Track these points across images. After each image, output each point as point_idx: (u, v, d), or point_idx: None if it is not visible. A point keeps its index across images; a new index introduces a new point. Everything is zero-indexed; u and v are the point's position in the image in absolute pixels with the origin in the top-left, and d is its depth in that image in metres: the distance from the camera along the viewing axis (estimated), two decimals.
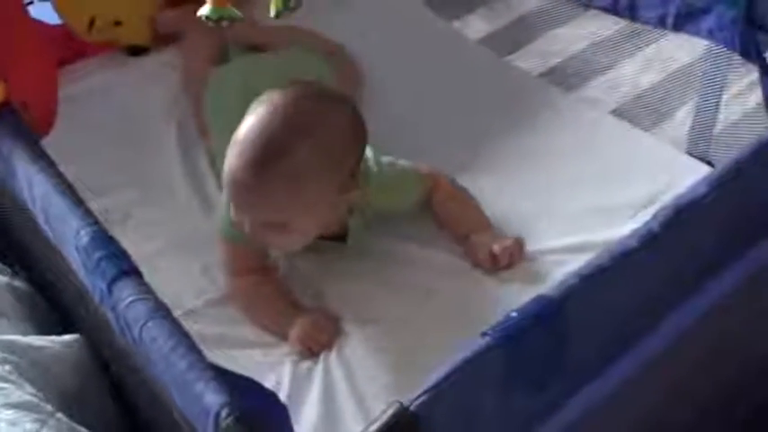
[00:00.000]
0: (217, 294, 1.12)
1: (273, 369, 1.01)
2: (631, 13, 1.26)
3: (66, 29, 1.48)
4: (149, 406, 0.99)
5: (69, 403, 1.03)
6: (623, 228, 1.17)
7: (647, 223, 0.73)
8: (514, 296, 1.10)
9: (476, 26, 1.63)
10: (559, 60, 1.54)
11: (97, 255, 0.77)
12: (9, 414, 0.92)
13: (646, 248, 0.70)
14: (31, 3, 1.56)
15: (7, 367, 1.00)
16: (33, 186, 0.85)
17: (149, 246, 1.13)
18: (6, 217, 1.29)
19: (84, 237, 0.79)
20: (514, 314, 0.66)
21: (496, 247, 1.12)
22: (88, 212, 0.82)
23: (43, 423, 0.94)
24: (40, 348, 1.08)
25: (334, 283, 1.13)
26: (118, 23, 1.50)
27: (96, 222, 0.81)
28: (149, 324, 0.71)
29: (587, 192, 1.27)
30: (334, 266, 1.15)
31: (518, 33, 1.59)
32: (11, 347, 1.03)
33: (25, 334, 1.14)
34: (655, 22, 1.23)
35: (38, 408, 0.96)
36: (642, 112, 1.46)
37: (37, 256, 1.22)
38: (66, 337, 1.13)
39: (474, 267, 1.14)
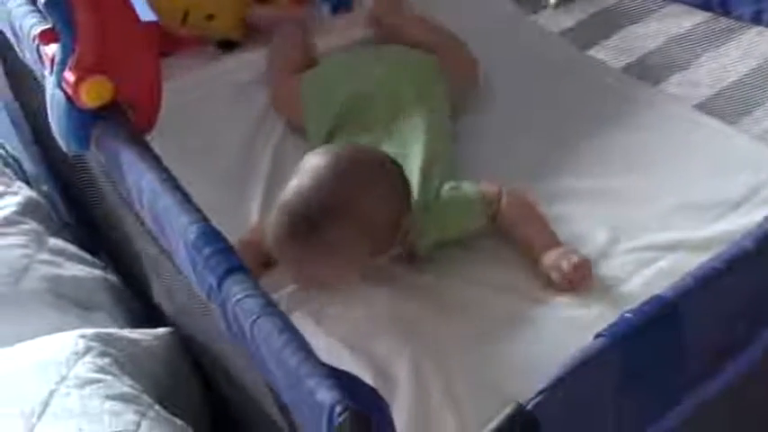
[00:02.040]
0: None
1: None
2: (724, 9, 1.23)
3: (156, 25, 1.51)
4: (243, 401, 1.01)
5: (162, 395, 1.05)
6: (715, 226, 1.19)
7: (760, 225, 0.72)
8: (610, 291, 1.13)
9: (556, 19, 1.61)
10: (641, 54, 1.52)
11: (207, 250, 0.78)
12: (112, 405, 0.95)
13: (760, 251, 0.69)
14: None
15: (107, 360, 1.03)
16: (142, 184, 0.87)
17: None
18: (99, 214, 1.32)
19: (194, 232, 0.80)
20: (629, 315, 0.65)
21: (566, 268, 1.09)
22: (197, 209, 0.83)
23: (143, 415, 0.97)
24: (135, 341, 1.11)
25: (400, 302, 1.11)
26: (210, 17, 1.51)
27: (205, 219, 0.82)
28: (261, 320, 0.72)
29: (676, 189, 1.25)
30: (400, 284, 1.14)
31: (599, 27, 1.58)
32: (109, 340, 1.06)
33: (119, 326, 1.17)
34: (749, 17, 1.20)
35: (138, 399, 0.99)
36: (726, 106, 1.43)
37: (127, 251, 1.25)
38: (159, 331, 1.16)
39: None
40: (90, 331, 1.06)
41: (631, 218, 1.21)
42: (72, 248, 1.27)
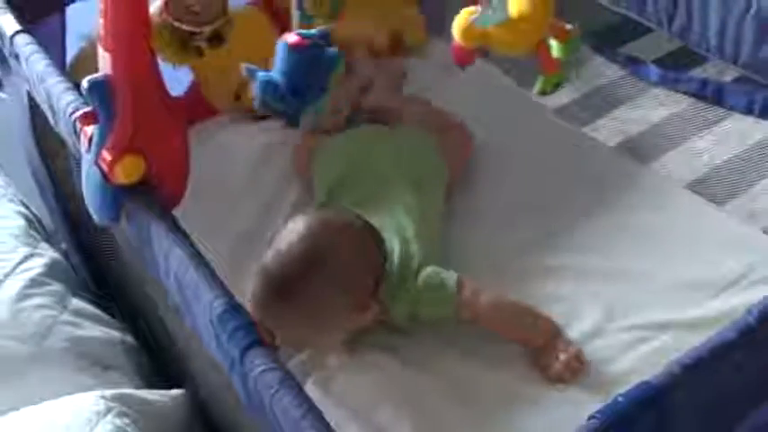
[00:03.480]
0: None
1: None
2: (718, 99, 1.31)
3: (191, 94, 1.58)
4: None
5: None
6: (706, 307, 1.25)
7: (744, 317, 0.78)
8: (604, 370, 1.18)
9: (551, 96, 1.68)
10: (633, 133, 1.58)
11: (231, 325, 0.84)
12: None
13: (744, 342, 0.75)
14: None
15: (126, 420, 1.08)
16: (169, 259, 0.93)
17: None
18: (118, 277, 1.38)
19: (218, 308, 0.86)
20: (621, 399, 0.71)
21: (559, 368, 1.15)
22: (221, 285, 0.90)
23: None
24: (151, 402, 1.16)
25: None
26: None
27: (229, 294, 0.88)
28: (280, 393, 0.77)
29: (668, 270, 1.30)
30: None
31: (592, 105, 1.64)
32: (127, 400, 1.12)
33: (136, 387, 1.23)
34: (742, 108, 1.28)
35: None
36: (718, 186, 1.50)
37: (147, 316, 1.31)
38: (173, 392, 1.21)
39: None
40: (109, 392, 1.11)
41: (625, 296, 1.26)
42: (92, 309, 1.33)
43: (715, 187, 1.52)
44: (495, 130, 1.56)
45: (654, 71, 1.36)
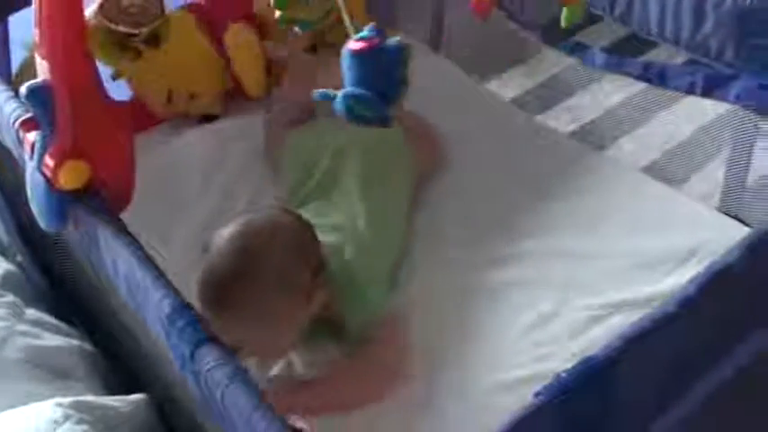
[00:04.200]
0: None
1: None
2: (661, 81, 1.33)
3: (130, 105, 1.58)
4: None
5: None
6: (660, 285, 1.27)
7: (684, 288, 0.79)
8: (556, 348, 1.20)
9: (504, 88, 1.70)
10: (587, 120, 1.61)
11: (180, 323, 0.84)
12: None
13: (685, 312, 0.76)
14: None
15: (84, 427, 1.07)
16: (117, 261, 0.93)
17: None
18: (74, 284, 1.37)
19: (167, 308, 0.86)
20: (564, 375, 0.72)
21: None
22: (169, 284, 0.89)
23: None
24: (111, 408, 1.15)
25: None
26: (192, 96, 1.59)
27: (177, 293, 0.88)
28: (231, 387, 0.78)
29: (623, 250, 1.33)
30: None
31: (547, 93, 1.67)
32: (85, 408, 1.11)
33: (95, 394, 1.22)
34: (684, 88, 1.30)
35: None
36: (673, 166, 1.52)
37: (103, 321, 1.30)
38: (133, 397, 1.20)
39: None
40: (66, 400, 1.10)
41: (579, 278, 1.29)
42: (48, 318, 1.31)
43: (669, 169, 1.54)
44: (450, 121, 1.58)
45: (599, 57, 1.37)
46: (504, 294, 1.29)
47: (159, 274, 0.91)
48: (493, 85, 1.72)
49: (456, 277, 1.31)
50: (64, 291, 1.44)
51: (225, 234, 1.12)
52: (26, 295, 1.34)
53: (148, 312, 0.90)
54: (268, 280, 1.10)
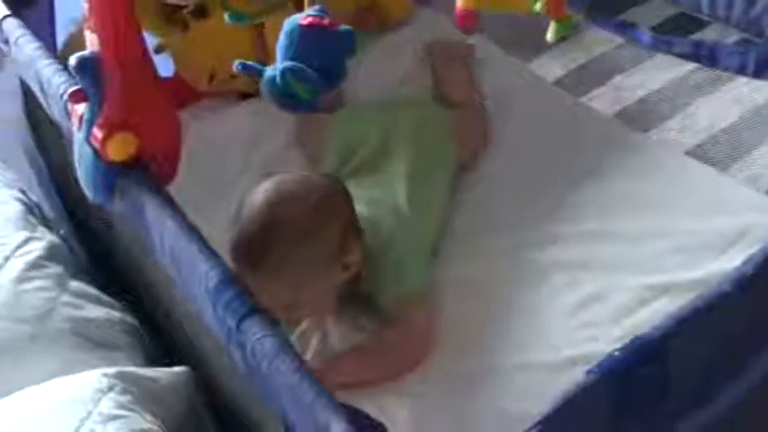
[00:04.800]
0: None
1: None
2: (712, 61, 1.30)
3: (175, 80, 1.59)
4: None
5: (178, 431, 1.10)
6: (707, 268, 1.24)
7: (739, 269, 0.78)
8: (601, 330, 1.18)
9: (548, 68, 1.68)
10: (632, 102, 1.58)
11: (227, 295, 0.84)
12: None
13: (740, 293, 0.75)
14: None
15: (129, 397, 1.08)
16: (164, 233, 0.93)
17: None
18: (117, 257, 1.39)
19: (214, 278, 0.86)
20: (617, 353, 0.71)
21: None
22: (215, 255, 0.90)
23: None
24: (154, 379, 1.16)
25: None
26: (234, 76, 1.55)
27: (224, 264, 0.88)
28: (279, 359, 0.78)
29: (669, 233, 1.30)
30: None
31: (591, 74, 1.64)
32: (129, 378, 1.12)
33: (138, 365, 1.23)
34: (735, 68, 1.27)
35: None
36: (718, 151, 1.50)
37: (147, 293, 1.31)
38: (175, 369, 1.21)
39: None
40: (112, 370, 1.11)
41: (625, 260, 1.27)
42: (92, 290, 1.33)
43: (715, 152, 1.51)
44: (491, 101, 1.56)
45: (646, 36, 1.35)
46: (547, 276, 1.27)
47: (205, 245, 0.91)
48: (534, 66, 1.70)
49: (498, 258, 1.30)
50: (108, 264, 1.46)
51: (257, 190, 1.13)
52: (69, 267, 1.35)
53: (194, 284, 0.90)
54: (299, 232, 1.10)
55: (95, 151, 0.98)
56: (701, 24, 1.50)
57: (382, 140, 1.39)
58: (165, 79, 1.59)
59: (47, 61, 1.14)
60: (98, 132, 0.97)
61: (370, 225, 1.23)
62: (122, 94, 0.96)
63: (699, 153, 1.49)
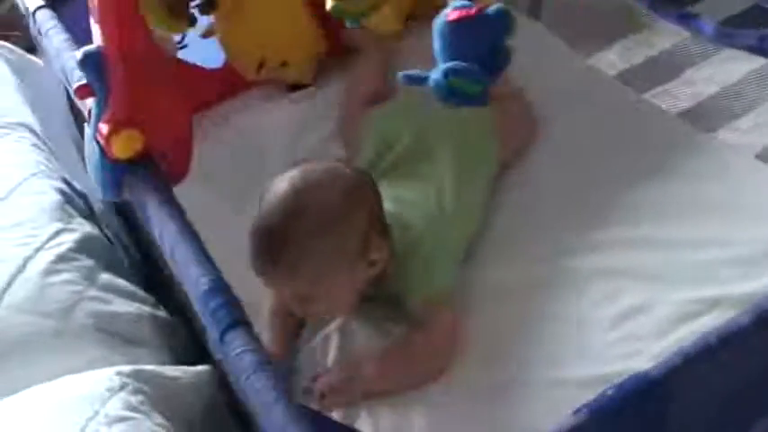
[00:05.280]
0: None
1: None
2: None
3: (228, 68, 1.58)
4: None
5: None
6: (763, 281, 1.14)
7: (758, 304, 0.68)
8: (641, 345, 1.10)
9: (612, 62, 1.58)
10: (698, 100, 1.47)
11: (213, 304, 0.81)
12: None
13: (758, 328, 0.66)
14: (184, 46, 1.68)
15: (140, 397, 1.06)
16: (164, 232, 0.91)
17: None
18: (152, 251, 1.37)
19: (203, 285, 0.83)
20: (610, 391, 0.63)
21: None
22: (209, 261, 0.86)
23: None
24: (173, 378, 1.14)
25: None
26: (284, 64, 1.57)
27: (216, 271, 0.85)
28: (254, 376, 0.74)
29: (723, 242, 1.21)
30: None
31: (656, 70, 1.53)
32: (145, 377, 1.10)
33: (162, 363, 1.21)
34: None
35: None
36: None
37: (174, 290, 1.30)
38: (198, 368, 1.19)
39: None
40: (127, 368, 1.09)
41: (676, 269, 1.19)
42: (123, 284, 1.31)
43: None
44: (550, 96, 1.49)
45: (708, 27, 1.24)
46: (588, 285, 1.19)
47: (201, 249, 0.88)
48: (596, 60, 1.60)
49: (537, 265, 1.23)
50: (147, 258, 1.45)
51: (281, 178, 1.10)
52: (103, 259, 1.34)
53: (189, 286, 0.87)
54: (322, 222, 1.06)
55: (101, 148, 0.96)
56: None
57: (419, 138, 1.33)
58: (217, 68, 1.60)
59: (71, 53, 1.13)
60: (103, 128, 0.95)
61: (399, 224, 1.18)
62: (127, 89, 0.93)
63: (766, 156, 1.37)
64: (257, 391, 0.73)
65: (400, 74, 1.09)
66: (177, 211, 0.92)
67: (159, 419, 1.05)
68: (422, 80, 1.07)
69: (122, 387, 1.06)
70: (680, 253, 1.21)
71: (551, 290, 1.20)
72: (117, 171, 0.98)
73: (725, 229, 1.22)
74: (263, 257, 1.07)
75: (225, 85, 1.61)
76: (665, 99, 1.51)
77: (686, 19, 1.31)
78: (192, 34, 1.55)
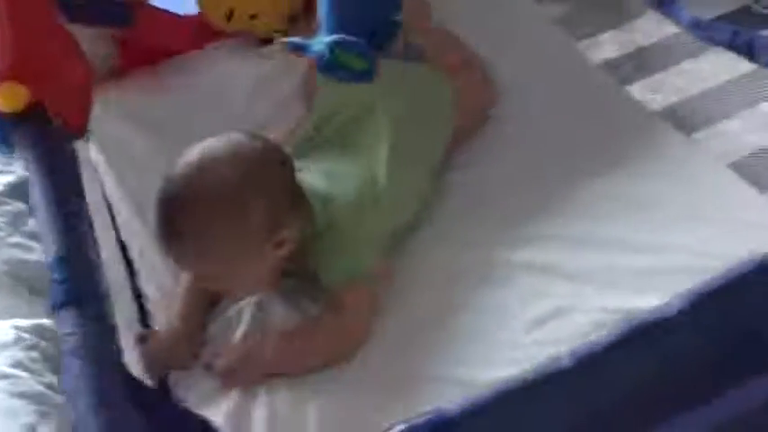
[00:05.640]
0: None
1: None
2: (749, 53, 1.09)
3: (200, 18, 1.55)
4: None
5: None
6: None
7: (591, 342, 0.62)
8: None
9: (601, 49, 1.48)
10: (685, 96, 1.36)
11: (55, 275, 0.78)
12: (12, 403, 0.96)
13: (580, 371, 0.60)
14: None
15: (33, 353, 1.04)
16: (35, 191, 0.88)
17: None
18: None
19: (51, 254, 0.80)
20: (401, 427, 0.58)
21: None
22: (69, 229, 0.83)
23: (44, 415, 0.97)
24: None
25: None
26: (254, 17, 1.53)
27: (69, 240, 0.81)
28: (71, 359, 0.71)
29: (670, 248, 1.13)
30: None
31: (644, 62, 1.43)
32: (44, 333, 1.08)
33: None
34: None
35: (44, 398, 0.99)
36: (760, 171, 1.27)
37: None
38: None
39: None
40: (26, 322, 1.07)
41: (609, 271, 1.11)
42: None
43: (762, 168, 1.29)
44: (524, 74, 1.41)
45: (684, 16, 1.14)
46: (512, 281, 1.13)
47: (64, 216, 0.84)
48: (585, 45, 1.50)
49: (467, 252, 1.17)
50: None
51: (182, 159, 1.05)
52: None
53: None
54: (216, 204, 1.02)
55: None
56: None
57: (362, 110, 1.25)
58: (190, 16, 1.56)
59: None
60: None
61: (322, 198, 1.13)
62: (12, 41, 0.89)
63: (744, 166, 1.26)
64: (71, 375, 0.70)
65: (284, 39, 1.02)
66: (49, 171, 0.88)
67: (50, 378, 1.03)
68: (305, 48, 0.99)
69: (16, 341, 1.04)
70: (617, 256, 1.13)
71: (478, 281, 1.14)
72: (5, 125, 0.94)
73: (673, 236, 1.14)
74: (162, 239, 1.05)
75: (197, 33, 1.57)
76: (647, 92, 1.41)
77: (666, 4, 1.21)
78: None
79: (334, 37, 0.96)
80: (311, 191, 1.12)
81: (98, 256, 0.83)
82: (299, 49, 0.99)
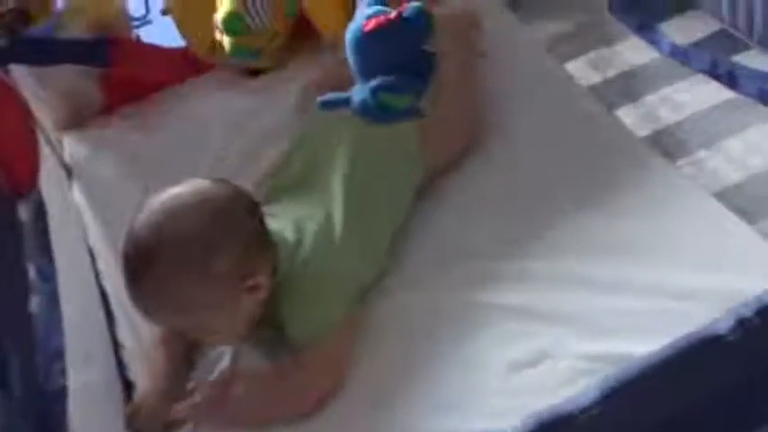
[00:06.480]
0: None
1: None
2: (730, 82, 1.04)
3: (186, 50, 1.53)
4: None
5: None
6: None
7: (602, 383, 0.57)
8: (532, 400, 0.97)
9: (586, 73, 1.44)
10: (664, 125, 1.32)
11: None
12: None
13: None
14: (148, 23, 1.62)
15: None
16: None
17: None
18: None
19: None
20: None
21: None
22: None
23: None
24: None
25: None
26: None
27: None
28: None
29: (657, 289, 1.07)
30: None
31: (633, 86, 1.38)
32: None
33: None
34: (754, 95, 1.01)
35: None
36: (754, 195, 1.21)
37: None
38: None
39: None
40: None
41: (587, 315, 1.06)
42: None
43: (751, 196, 1.23)
44: (510, 98, 1.35)
45: (665, 44, 1.10)
46: (489, 325, 1.08)
47: None
48: (572, 67, 1.46)
49: (440, 295, 1.12)
50: None
51: (147, 207, 1.02)
52: None
53: None
54: (183, 255, 0.99)
55: None
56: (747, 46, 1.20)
57: (322, 152, 1.21)
58: (175, 48, 1.54)
59: None
60: None
61: (289, 249, 1.09)
62: None
63: (729, 196, 1.21)
64: None
65: (318, 99, 0.99)
66: None
67: None
68: (344, 102, 0.96)
69: None
70: (597, 296, 1.08)
71: (451, 328, 1.09)
72: None
73: (654, 274, 1.08)
74: (131, 295, 1.01)
75: (183, 65, 1.55)
76: (633, 118, 1.36)
77: (646, 30, 1.17)
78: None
79: (377, 81, 0.92)
80: (280, 239, 1.09)
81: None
82: (337, 105, 0.96)
